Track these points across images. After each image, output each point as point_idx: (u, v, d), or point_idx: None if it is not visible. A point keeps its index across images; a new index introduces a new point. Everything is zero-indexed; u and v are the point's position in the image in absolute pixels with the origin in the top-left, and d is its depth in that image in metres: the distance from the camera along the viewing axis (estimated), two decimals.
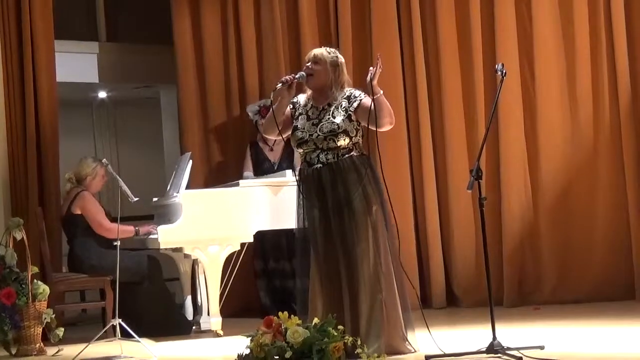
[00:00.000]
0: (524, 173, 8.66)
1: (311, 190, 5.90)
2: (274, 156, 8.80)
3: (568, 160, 8.62)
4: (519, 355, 5.36)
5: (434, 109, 8.90)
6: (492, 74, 8.30)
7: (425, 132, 8.84)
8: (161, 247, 7.58)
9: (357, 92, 5.97)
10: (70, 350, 6.74)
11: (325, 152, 5.88)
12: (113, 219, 7.68)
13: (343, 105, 5.92)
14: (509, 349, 5.49)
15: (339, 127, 5.86)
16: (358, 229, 5.79)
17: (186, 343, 7.34)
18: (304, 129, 5.94)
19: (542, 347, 5.63)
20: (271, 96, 6.04)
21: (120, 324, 6.60)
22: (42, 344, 6.99)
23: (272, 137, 6.44)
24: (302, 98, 6.06)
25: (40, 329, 6.97)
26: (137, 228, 7.86)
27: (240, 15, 9.12)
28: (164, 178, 10.07)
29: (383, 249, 5.85)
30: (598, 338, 6.26)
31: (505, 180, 8.61)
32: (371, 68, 5.84)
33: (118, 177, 7.03)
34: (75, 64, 10.14)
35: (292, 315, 5.08)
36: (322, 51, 6.01)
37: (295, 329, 4.96)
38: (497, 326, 5.61)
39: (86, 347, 6.55)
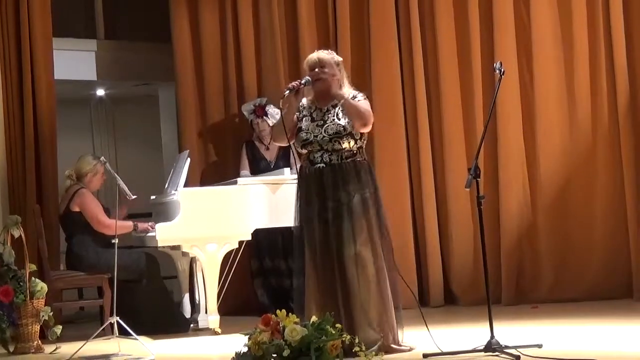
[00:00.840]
0: (522, 171, 8.66)
1: (311, 189, 5.92)
2: (270, 155, 8.80)
3: (566, 159, 8.62)
4: (517, 353, 5.36)
5: (432, 107, 8.90)
6: (490, 72, 8.30)
7: (423, 130, 8.84)
8: (159, 244, 7.57)
9: (359, 95, 6.03)
10: (68, 348, 6.74)
11: (330, 153, 5.91)
12: (112, 217, 7.68)
13: None
14: (506, 347, 5.49)
15: (344, 129, 5.89)
16: (354, 232, 5.81)
17: (184, 341, 7.34)
18: (308, 130, 5.96)
19: (539, 346, 5.63)
20: (280, 104, 6.07)
21: (118, 321, 6.60)
22: (39, 341, 7.00)
23: (282, 144, 6.45)
24: (304, 101, 6.08)
25: (38, 327, 6.98)
26: (135, 223, 7.86)
27: (239, 13, 9.12)
28: (162, 176, 10.06)
29: (377, 251, 5.87)
30: (596, 337, 6.26)
31: (503, 178, 8.61)
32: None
33: (116, 174, 7.03)
34: (74, 62, 10.14)
35: (289, 314, 5.08)
36: (324, 55, 6.06)
37: (293, 327, 4.96)
38: (494, 324, 5.61)
39: (84, 344, 6.54)
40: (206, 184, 8.51)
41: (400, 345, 5.90)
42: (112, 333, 6.63)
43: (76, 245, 7.80)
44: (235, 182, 7.73)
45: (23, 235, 6.96)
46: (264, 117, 8.73)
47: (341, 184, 5.86)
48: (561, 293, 8.45)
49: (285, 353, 4.92)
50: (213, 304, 7.58)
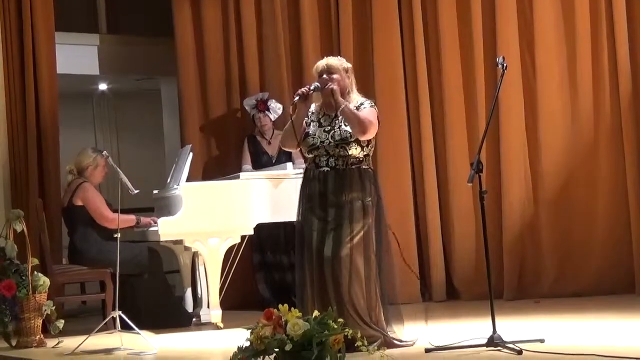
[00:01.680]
0: (524, 166, 8.65)
1: (314, 191, 5.94)
2: (271, 149, 8.80)
3: (568, 153, 8.62)
4: (519, 348, 5.36)
5: (434, 101, 8.89)
6: (492, 65, 8.28)
7: (425, 125, 8.83)
8: (161, 239, 7.58)
9: (366, 103, 6.03)
10: (70, 342, 6.74)
11: (335, 158, 5.92)
12: (114, 211, 7.67)
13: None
14: (509, 342, 5.49)
15: (351, 136, 5.89)
16: (351, 234, 5.84)
17: (186, 335, 7.35)
18: (315, 135, 5.98)
19: (542, 341, 5.64)
20: (290, 110, 6.06)
21: (120, 316, 6.61)
22: (42, 335, 7.00)
23: (290, 150, 6.44)
24: (312, 106, 6.09)
25: (40, 321, 6.98)
26: (138, 217, 7.86)
27: (241, 7, 9.11)
28: (164, 170, 10.06)
29: (370, 258, 5.89)
30: (598, 332, 6.26)
31: (505, 173, 8.60)
32: (329, 83, 5.93)
33: (118, 169, 7.02)
34: (76, 56, 10.13)
35: (292, 308, 5.09)
36: (333, 61, 6.06)
37: (295, 321, 4.96)
38: (497, 319, 5.61)
39: (86, 339, 6.55)
40: (208, 179, 8.50)
41: (401, 341, 5.90)
42: (115, 327, 6.63)
43: (78, 239, 7.80)
44: (238, 177, 7.73)
45: (25, 230, 6.96)
46: (266, 112, 8.73)
47: (344, 189, 5.88)
48: (563, 288, 8.45)
49: (288, 347, 4.91)
50: (215, 298, 7.59)
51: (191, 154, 7.89)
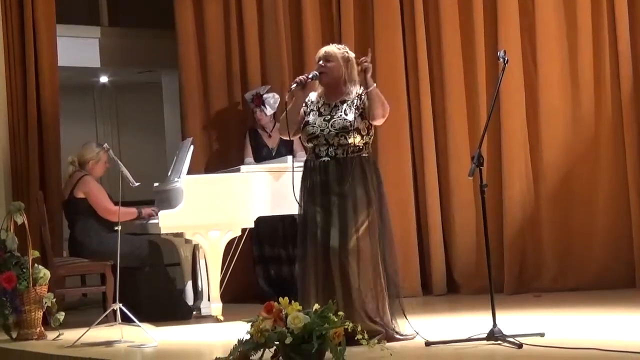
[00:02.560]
0: (525, 160, 8.65)
1: (315, 181, 5.93)
2: (272, 142, 8.80)
3: (569, 147, 8.61)
4: (519, 342, 5.36)
5: (435, 95, 8.88)
6: (494, 59, 8.28)
7: (426, 119, 8.83)
8: (162, 232, 7.58)
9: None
10: (70, 334, 6.74)
11: (335, 148, 5.90)
12: (115, 203, 7.67)
13: (355, 103, 5.93)
14: (509, 336, 5.49)
15: (351, 125, 5.87)
16: (356, 224, 5.82)
17: (186, 328, 7.35)
18: (315, 124, 5.95)
19: (542, 335, 5.64)
20: (286, 97, 6.06)
21: (120, 308, 6.61)
22: (42, 328, 7.00)
23: (285, 138, 6.43)
24: (313, 96, 6.08)
25: (41, 313, 6.98)
26: (139, 209, 7.86)
27: (243, 0, 9.10)
28: (165, 163, 10.06)
29: (375, 245, 5.88)
30: (598, 326, 6.26)
31: (506, 167, 8.60)
32: (363, 58, 5.90)
33: (119, 161, 7.03)
34: (77, 49, 10.13)
35: (292, 301, 5.09)
36: (332, 48, 6.04)
37: (295, 314, 4.97)
38: (497, 313, 5.61)
39: (87, 331, 6.55)
40: (209, 172, 8.50)
41: (402, 334, 5.90)
42: (115, 320, 6.63)
43: (79, 232, 7.80)
44: (238, 170, 7.73)
45: (26, 222, 6.96)
46: (262, 107, 8.71)
47: (346, 178, 5.86)
48: (564, 282, 8.45)
49: (288, 340, 4.92)
50: (216, 291, 7.59)
51: (192, 147, 7.89)
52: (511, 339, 5.43)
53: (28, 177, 8.07)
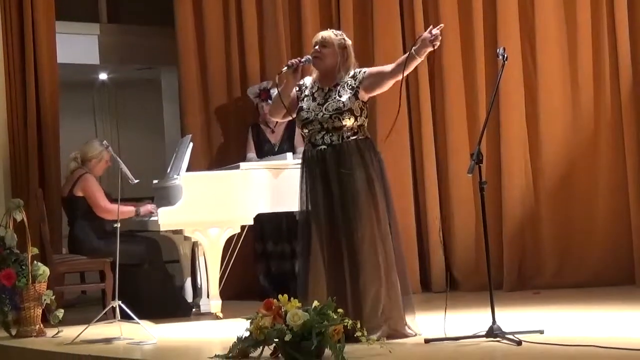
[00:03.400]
0: (524, 157, 8.65)
1: (315, 172, 5.89)
2: (275, 138, 8.80)
3: (569, 144, 8.62)
4: (518, 339, 5.36)
5: (435, 92, 8.89)
6: (493, 57, 8.27)
7: (426, 116, 8.83)
8: (161, 229, 7.57)
9: (362, 69, 5.97)
10: (69, 331, 6.74)
11: (330, 134, 5.86)
12: (113, 200, 7.67)
13: (349, 84, 5.90)
14: (508, 333, 5.49)
15: (344, 105, 5.83)
16: (361, 213, 5.78)
17: (186, 325, 7.35)
18: (309, 109, 5.92)
19: (541, 332, 5.64)
20: (276, 79, 6.04)
21: (120, 305, 6.61)
22: (41, 325, 6.99)
23: (278, 119, 6.43)
24: (308, 80, 6.05)
25: (40, 311, 6.97)
26: (137, 208, 7.85)
27: None
28: (164, 160, 10.06)
29: (385, 232, 5.84)
30: (598, 323, 6.27)
31: (506, 164, 8.61)
32: (435, 31, 5.80)
33: (118, 158, 7.02)
34: (77, 46, 10.13)
35: (292, 298, 5.09)
36: (329, 34, 5.99)
37: (295, 311, 4.97)
38: (496, 310, 5.61)
39: (86, 328, 6.55)
40: (208, 168, 8.50)
41: (408, 331, 5.89)
42: (114, 317, 6.63)
43: (78, 229, 7.80)
44: (238, 167, 7.72)
45: (25, 219, 6.95)
46: (268, 101, 8.72)
47: (344, 165, 5.81)
48: (563, 279, 8.46)
49: (287, 338, 4.92)
50: (215, 288, 7.59)
51: (191, 143, 7.89)
52: (510, 336, 5.43)
53: (27, 174, 8.06)
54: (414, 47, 5.83)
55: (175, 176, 7.77)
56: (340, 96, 5.87)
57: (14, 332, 6.96)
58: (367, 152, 5.88)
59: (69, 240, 7.94)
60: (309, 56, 5.97)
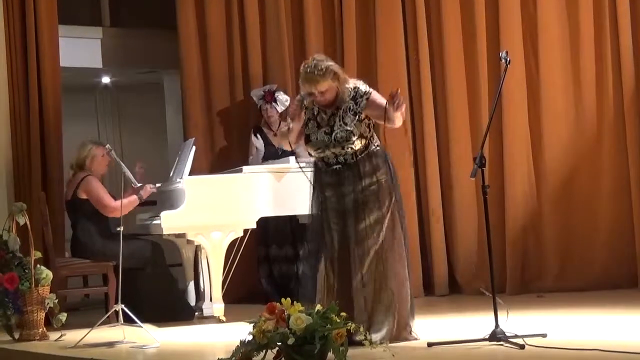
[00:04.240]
0: (527, 161, 8.65)
1: (327, 182, 5.91)
2: (278, 141, 8.80)
3: (571, 148, 8.61)
4: (521, 343, 5.35)
5: (437, 96, 8.89)
6: (496, 60, 8.26)
7: (428, 119, 8.83)
8: (164, 232, 7.58)
9: (361, 89, 5.88)
10: (72, 335, 6.74)
11: (343, 156, 5.85)
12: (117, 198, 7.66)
13: (351, 108, 5.83)
14: (511, 336, 5.48)
15: (353, 134, 5.80)
16: (372, 219, 5.80)
17: (189, 329, 7.35)
18: (317, 138, 5.87)
19: (544, 335, 5.63)
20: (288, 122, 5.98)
21: (123, 309, 6.61)
22: (44, 328, 7.00)
23: (288, 149, 6.40)
24: (307, 99, 5.94)
25: (43, 314, 6.98)
26: (139, 194, 7.72)
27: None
28: (167, 163, 10.06)
29: (397, 239, 5.87)
30: (601, 326, 6.26)
31: (508, 167, 8.60)
32: (396, 97, 5.68)
33: (121, 162, 7.03)
34: (79, 49, 10.13)
35: (294, 302, 5.09)
36: (317, 79, 5.74)
37: (298, 315, 4.97)
38: (499, 314, 5.60)
39: (89, 332, 6.55)
40: (211, 172, 8.50)
41: (412, 336, 5.90)
42: (117, 320, 6.64)
43: (81, 232, 7.80)
44: (241, 170, 7.73)
45: (28, 223, 6.96)
46: (273, 104, 8.73)
47: (358, 177, 5.83)
48: (566, 282, 8.44)
49: (290, 341, 4.92)
50: (218, 292, 7.59)
51: (194, 147, 7.89)
52: (513, 340, 5.43)
53: (30, 177, 8.07)
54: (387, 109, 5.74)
55: (178, 180, 7.77)
56: (345, 123, 5.81)
57: (17, 336, 6.96)
58: (380, 160, 5.89)
59: (72, 244, 7.94)
60: (301, 97, 5.87)
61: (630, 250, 8.37)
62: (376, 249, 5.80)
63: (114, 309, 6.76)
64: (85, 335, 6.51)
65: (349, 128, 5.81)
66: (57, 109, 8.30)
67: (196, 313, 7.93)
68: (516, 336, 5.47)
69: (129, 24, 10.94)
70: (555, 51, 8.64)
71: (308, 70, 5.75)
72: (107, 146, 7.40)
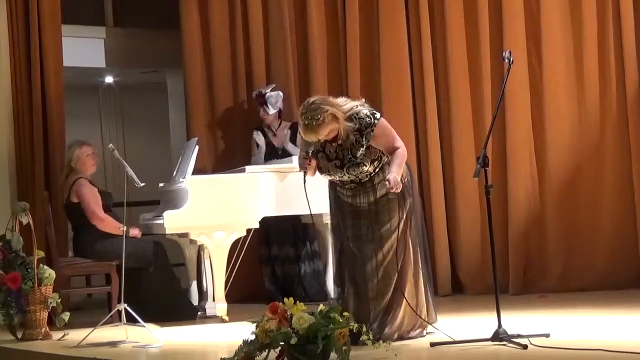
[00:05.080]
0: (530, 161, 8.64)
1: (342, 194, 5.95)
2: (278, 141, 8.79)
3: (574, 148, 8.61)
4: (525, 342, 5.35)
5: (440, 95, 8.88)
6: (499, 60, 8.26)
7: (432, 119, 8.82)
8: (167, 232, 7.58)
9: (365, 121, 5.78)
10: (75, 334, 6.75)
11: (358, 179, 5.87)
12: (107, 209, 7.68)
13: (358, 141, 5.77)
14: (514, 336, 5.48)
15: (363, 164, 5.80)
16: (391, 227, 5.85)
17: (191, 328, 7.35)
18: (329, 171, 5.87)
19: (547, 335, 5.63)
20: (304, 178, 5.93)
21: (125, 309, 6.61)
22: (47, 328, 7.00)
23: None
24: (311, 147, 5.91)
25: (46, 314, 6.98)
26: (127, 229, 7.60)
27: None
28: (170, 163, 10.06)
29: (412, 243, 5.92)
30: (604, 326, 6.26)
31: (511, 167, 8.60)
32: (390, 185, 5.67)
33: (124, 162, 7.02)
34: (82, 49, 10.12)
35: (297, 301, 5.09)
36: (317, 129, 5.64)
37: (300, 315, 4.97)
38: (502, 314, 5.61)
39: (92, 331, 6.56)
40: (214, 172, 8.50)
41: (414, 334, 5.95)
42: (120, 320, 6.64)
43: (83, 233, 7.80)
44: (244, 170, 7.73)
45: (31, 222, 6.96)
46: (264, 106, 8.70)
47: (372, 189, 5.87)
48: (569, 282, 8.44)
49: (293, 341, 4.92)
50: (221, 291, 7.59)
51: (197, 147, 7.89)
52: (516, 340, 5.42)
53: (33, 177, 8.07)
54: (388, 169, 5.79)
55: (181, 179, 7.77)
56: (355, 156, 5.78)
57: (20, 335, 6.96)
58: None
59: (75, 244, 7.94)
60: (307, 150, 5.86)
61: (633, 250, 8.38)
62: (393, 253, 5.84)
63: (116, 309, 6.76)
64: (88, 335, 6.52)
65: (359, 160, 5.80)
66: (60, 109, 8.30)
67: (199, 313, 7.92)
68: (519, 336, 5.47)
69: (132, 23, 10.93)
70: (558, 51, 8.64)
71: (307, 122, 5.66)
72: (110, 146, 7.39)
